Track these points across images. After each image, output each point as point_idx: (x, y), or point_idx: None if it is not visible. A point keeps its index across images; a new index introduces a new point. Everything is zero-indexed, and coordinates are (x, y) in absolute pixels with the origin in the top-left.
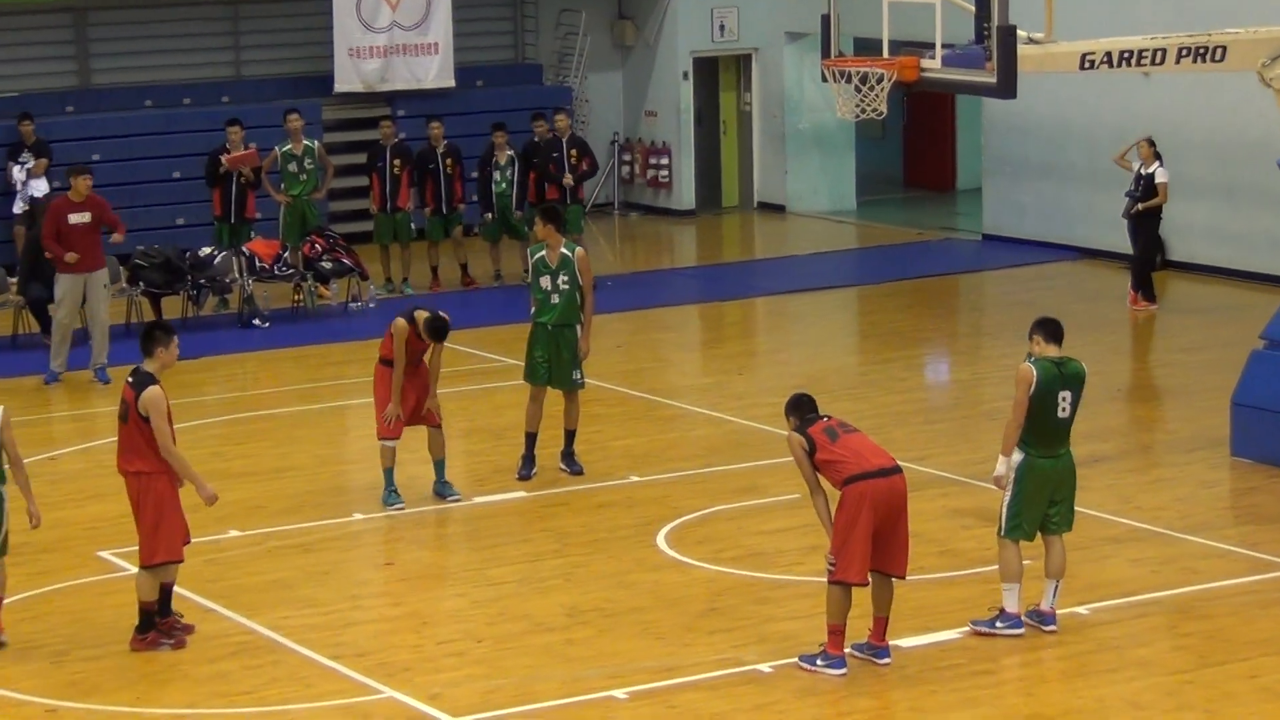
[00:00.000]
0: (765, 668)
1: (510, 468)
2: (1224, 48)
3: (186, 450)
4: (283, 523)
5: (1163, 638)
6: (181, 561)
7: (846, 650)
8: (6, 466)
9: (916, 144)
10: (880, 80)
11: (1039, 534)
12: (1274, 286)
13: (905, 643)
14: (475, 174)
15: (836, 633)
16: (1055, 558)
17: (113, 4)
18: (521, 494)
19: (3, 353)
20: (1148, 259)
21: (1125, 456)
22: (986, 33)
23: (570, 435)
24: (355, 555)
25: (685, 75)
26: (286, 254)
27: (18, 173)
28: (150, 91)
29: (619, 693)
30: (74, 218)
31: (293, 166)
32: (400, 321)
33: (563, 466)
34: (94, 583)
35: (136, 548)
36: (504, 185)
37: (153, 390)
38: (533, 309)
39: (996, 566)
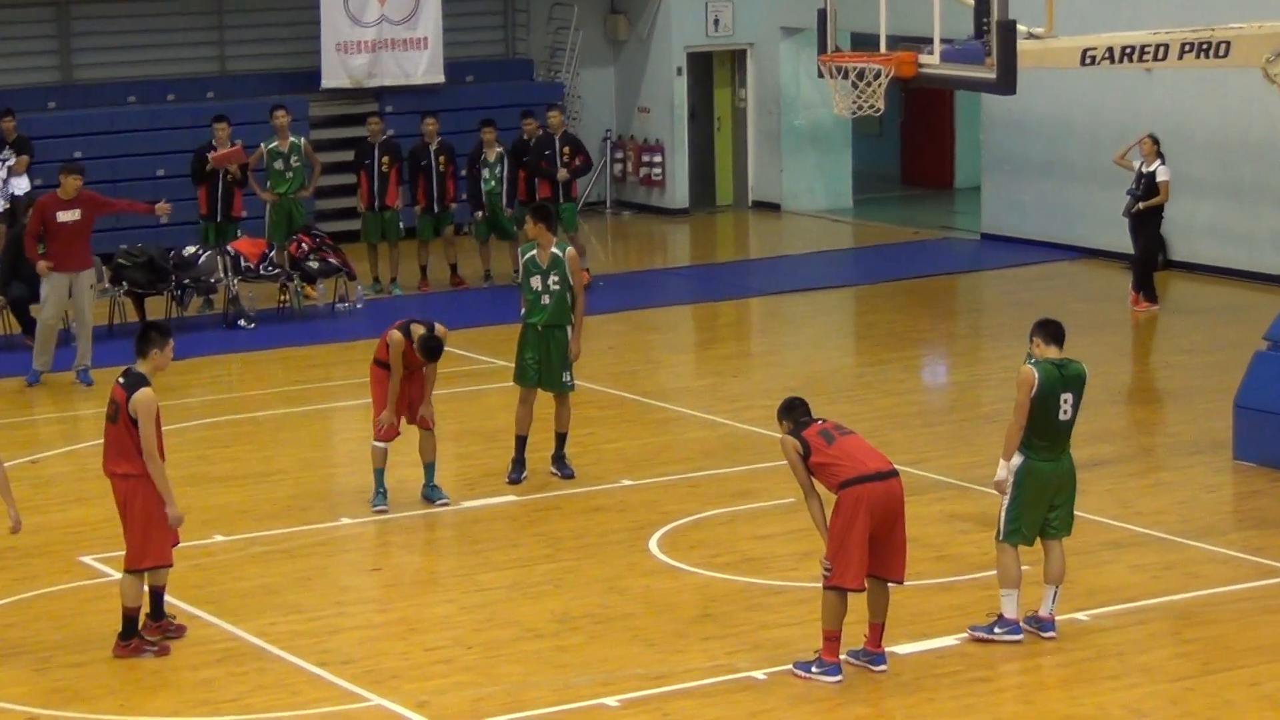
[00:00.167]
0: (759, 675)
1: (500, 471)
2: (1228, 43)
3: (170, 453)
4: (268, 527)
5: (1164, 644)
6: (170, 565)
7: (842, 657)
8: None
9: (914, 141)
10: (877, 76)
11: (1038, 539)
12: (1277, 287)
13: (902, 649)
14: (464, 172)
15: (832, 639)
16: (1054, 563)
17: None
18: (512, 498)
19: None
20: (1149, 259)
21: (1126, 460)
22: (986, 28)
23: (561, 438)
24: (342, 560)
25: (679, 71)
26: (272, 253)
27: None
28: (134, 87)
29: (610, 700)
30: (63, 216)
31: (279, 164)
32: (396, 335)
33: (554, 470)
34: (77, 588)
35: (120, 553)
36: (493, 183)
37: (145, 392)
38: (523, 310)
39: (994, 572)
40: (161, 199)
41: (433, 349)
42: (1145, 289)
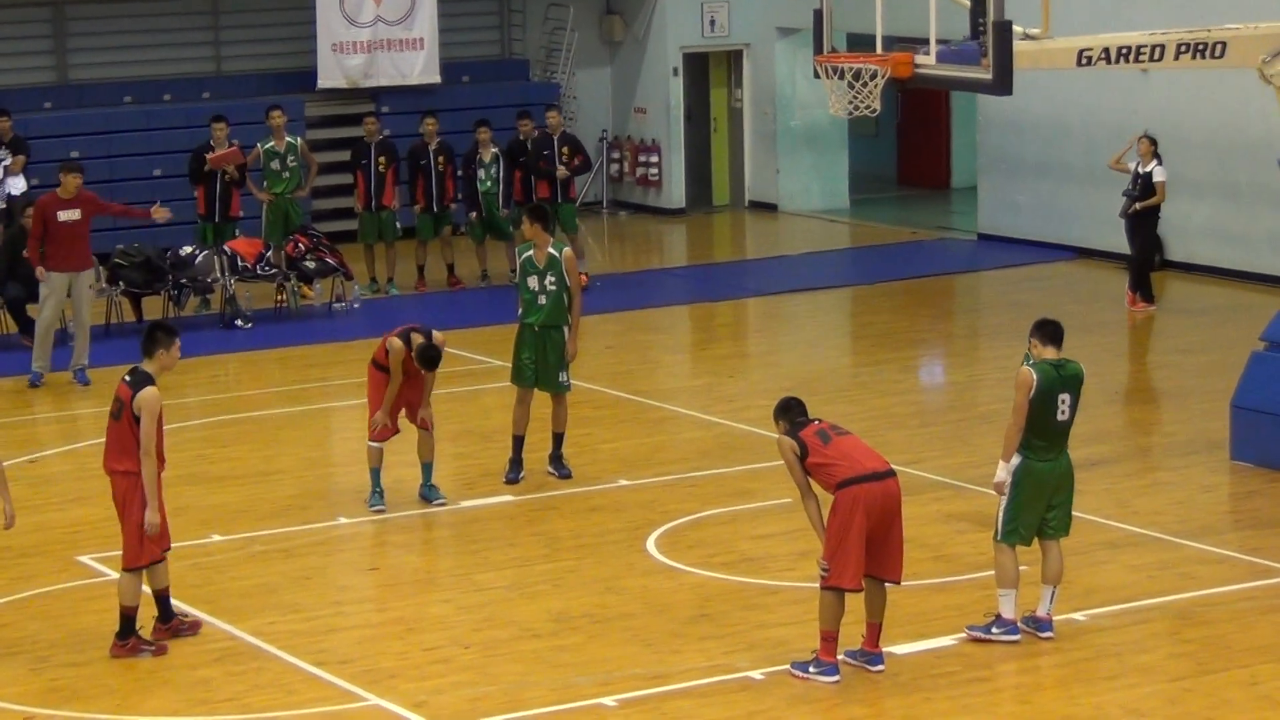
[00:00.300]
0: (757, 674)
1: (498, 471)
2: (1224, 44)
3: (169, 453)
4: (266, 527)
5: (1161, 644)
6: (162, 561)
7: (840, 657)
8: None
9: (911, 142)
10: (874, 76)
11: (1036, 539)
12: (1274, 287)
13: (899, 649)
14: (460, 172)
15: (829, 639)
16: (1052, 563)
17: None
18: (509, 498)
19: None
20: (1146, 259)
21: (1123, 460)
22: (982, 28)
23: (558, 438)
24: (340, 560)
25: (675, 71)
26: (269, 253)
27: None
28: (130, 87)
29: (608, 700)
30: (63, 215)
31: (275, 164)
32: (397, 343)
33: (551, 470)
34: (75, 588)
35: (118, 552)
36: (489, 184)
37: (150, 390)
38: (520, 310)
39: (992, 572)
40: (156, 201)
41: (431, 358)
42: (1142, 289)
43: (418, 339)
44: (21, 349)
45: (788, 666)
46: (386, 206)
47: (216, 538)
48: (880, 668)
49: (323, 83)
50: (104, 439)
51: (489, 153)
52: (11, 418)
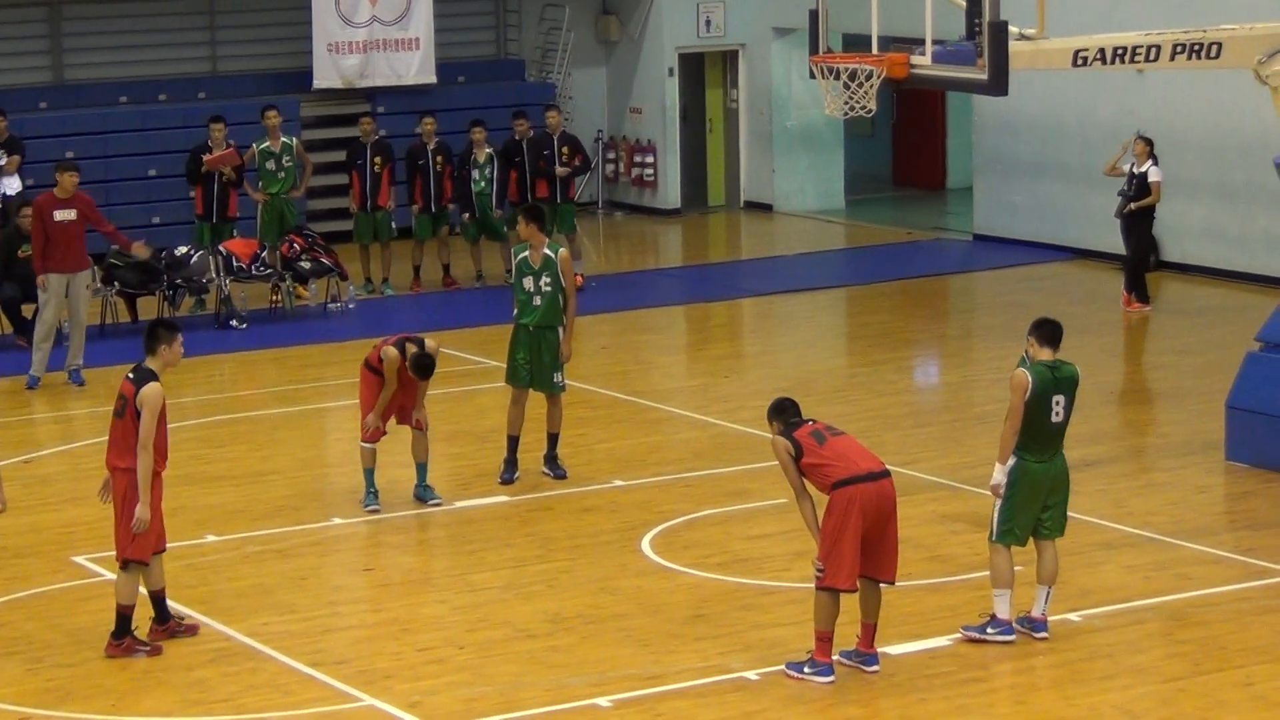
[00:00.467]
0: (752, 675)
1: (493, 471)
2: (1219, 44)
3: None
4: (261, 527)
5: (1156, 645)
6: (146, 564)
7: (835, 657)
8: None
9: (906, 142)
10: (869, 77)
11: (1031, 539)
12: (1270, 287)
13: (894, 650)
14: (456, 172)
15: (824, 639)
16: (1047, 563)
17: None
18: (504, 498)
19: None
20: (1141, 259)
21: (1118, 460)
22: (978, 29)
23: (553, 439)
24: (334, 560)
25: (670, 72)
26: (264, 253)
27: None
28: (126, 87)
29: (603, 701)
30: (59, 214)
31: (270, 164)
32: (392, 352)
33: (546, 470)
34: (70, 588)
35: (112, 553)
36: (483, 184)
37: (153, 386)
38: (515, 310)
39: (987, 572)
40: (143, 240)
41: (425, 367)
42: (1137, 290)
43: (412, 349)
44: (17, 349)
45: (783, 667)
46: (382, 207)
47: (211, 538)
48: (875, 668)
49: (318, 83)
50: (100, 439)
51: (483, 153)
52: (7, 418)
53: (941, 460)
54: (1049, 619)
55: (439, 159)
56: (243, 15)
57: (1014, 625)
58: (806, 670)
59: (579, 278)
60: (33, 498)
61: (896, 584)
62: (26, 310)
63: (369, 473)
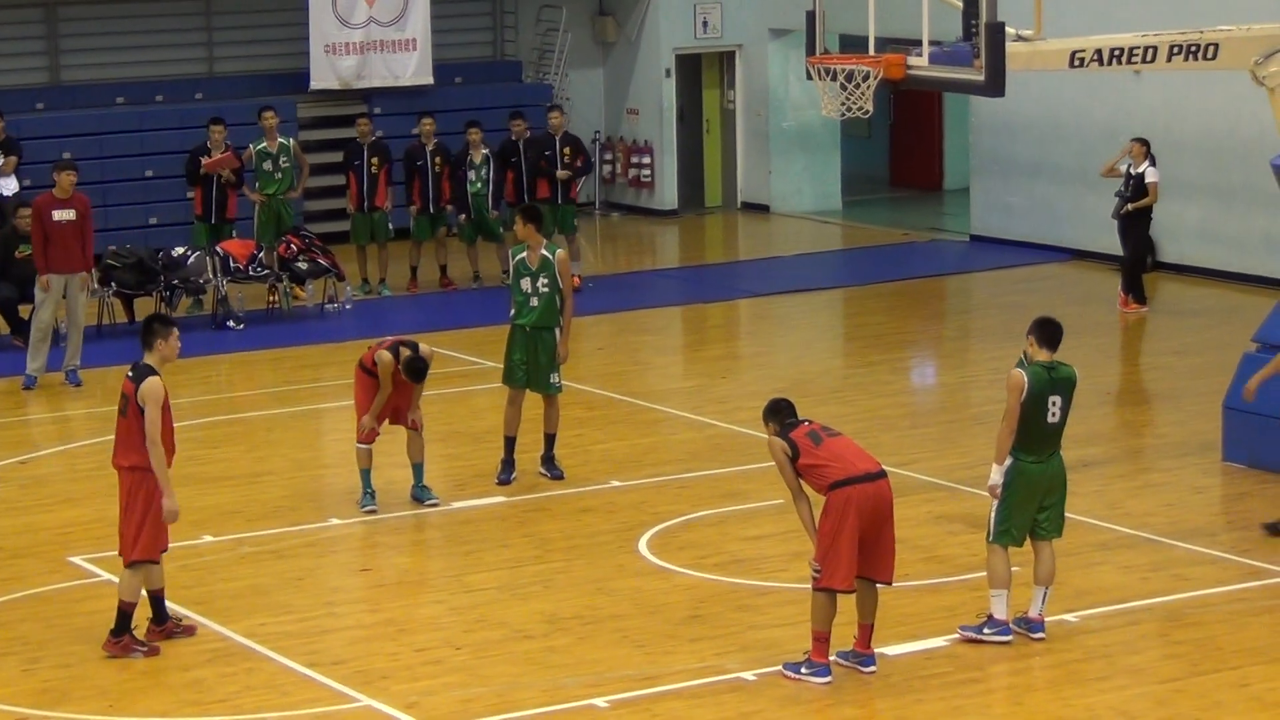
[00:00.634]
0: (749, 676)
1: (489, 472)
2: (1216, 45)
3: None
4: (258, 528)
5: (1153, 645)
6: (157, 562)
7: (831, 658)
8: None
9: (903, 143)
10: (866, 78)
11: (1028, 540)
12: (1266, 288)
13: (891, 650)
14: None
15: (821, 640)
16: (1044, 564)
17: None
18: (501, 499)
19: None
20: (1138, 260)
21: (1115, 461)
22: (975, 30)
23: (550, 439)
24: (331, 561)
25: (668, 72)
26: (261, 254)
27: None
28: (122, 88)
29: (600, 701)
30: (58, 214)
31: (267, 165)
32: (385, 356)
33: (542, 471)
34: (66, 589)
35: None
36: (479, 185)
37: (153, 380)
38: (512, 311)
39: (983, 573)
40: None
41: (418, 370)
42: (1134, 290)
43: (405, 352)
44: (14, 349)
45: (779, 668)
46: (379, 207)
47: (208, 539)
48: (872, 669)
49: (315, 84)
50: (97, 440)
51: (479, 154)
52: (4, 418)
53: (938, 461)
54: (1046, 619)
55: (437, 160)
56: (239, 16)
57: (1011, 626)
58: (803, 671)
59: (576, 279)
60: (29, 498)
61: (893, 585)
62: (23, 311)
63: (365, 473)
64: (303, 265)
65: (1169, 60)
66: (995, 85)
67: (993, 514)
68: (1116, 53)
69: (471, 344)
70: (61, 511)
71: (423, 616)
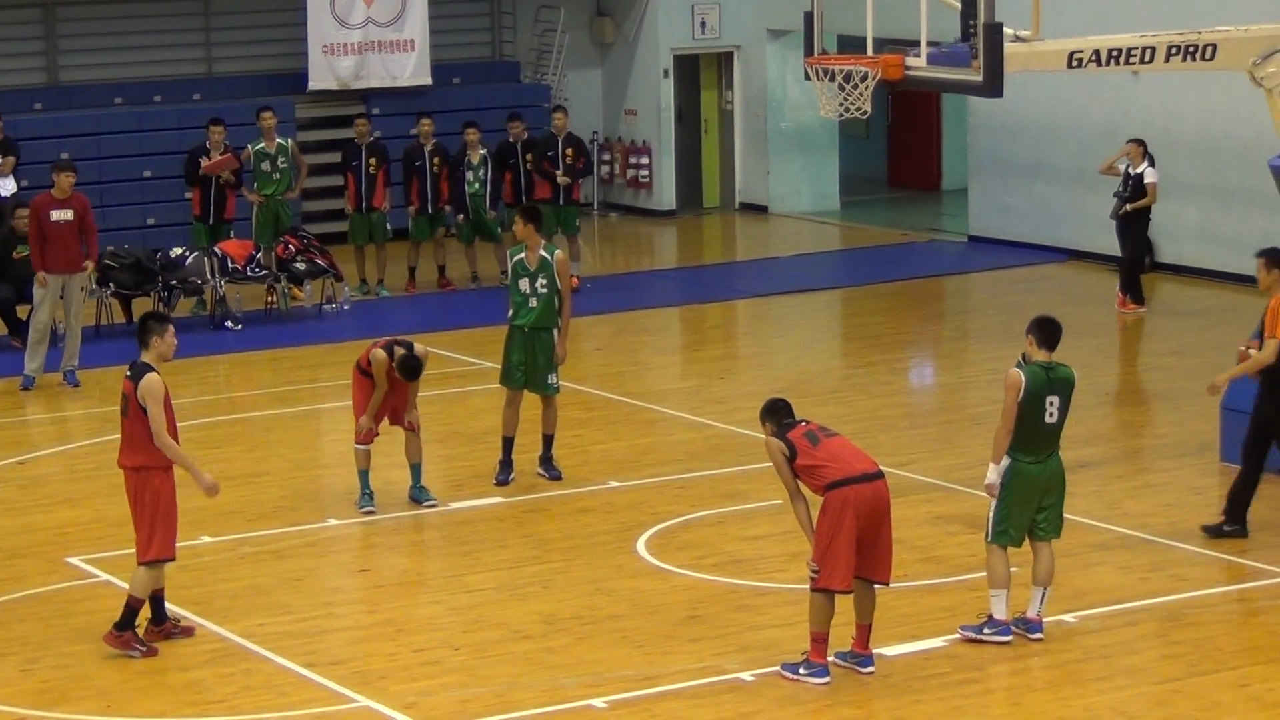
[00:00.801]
0: (747, 676)
1: (488, 473)
2: (1214, 46)
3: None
4: (256, 528)
5: (1151, 646)
6: (174, 559)
7: (829, 658)
8: None
9: (901, 144)
10: (864, 79)
11: (1027, 540)
12: None
13: (889, 651)
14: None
15: (819, 640)
16: (1043, 564)
17: None
18: (499, 499)
19: None
20: (1136, 261)
21: (1113, 462)
22: (973, 30)
23: (548, 440)
24: (330, 561)
25: (666, 73)
26: (259, 255)
27: None
28: (120, 89)
29: (598, 701)
30: (55, 214)
31: (265, 165)
32: (380, 354)
33: (541, 471)
34: (64, 589)
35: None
36: (476, 185)
37: (151, 377)
38: (510, 311)
39: (980, 574)
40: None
41: (411, 368)
42: (1132, 291)
43: (400, 351)
44: (12, 350)
45: (778, 668)
46: (377, 208)
47: (206, 539)
48: (870, 669)
49: (313, 84)
50: (95, 440)
51: (477, 154)
52: (2, 419)
53: (936, 461)
54: (1044, 620)
55: (436, 160)
56: (238, 17)
57: (1011, 626)
58: (801, 671)
59: (575, 279)
60: (28, 498)
61: (891, 585)
62: (21, 311)
63: (363, 474)
64: (301, 266)
65: (1167, 61)
66: (993, 86)
67: (991, 514)
68: (1114, 53)
69: (470, 345)
70: (60, 512)
71: (421, 617)
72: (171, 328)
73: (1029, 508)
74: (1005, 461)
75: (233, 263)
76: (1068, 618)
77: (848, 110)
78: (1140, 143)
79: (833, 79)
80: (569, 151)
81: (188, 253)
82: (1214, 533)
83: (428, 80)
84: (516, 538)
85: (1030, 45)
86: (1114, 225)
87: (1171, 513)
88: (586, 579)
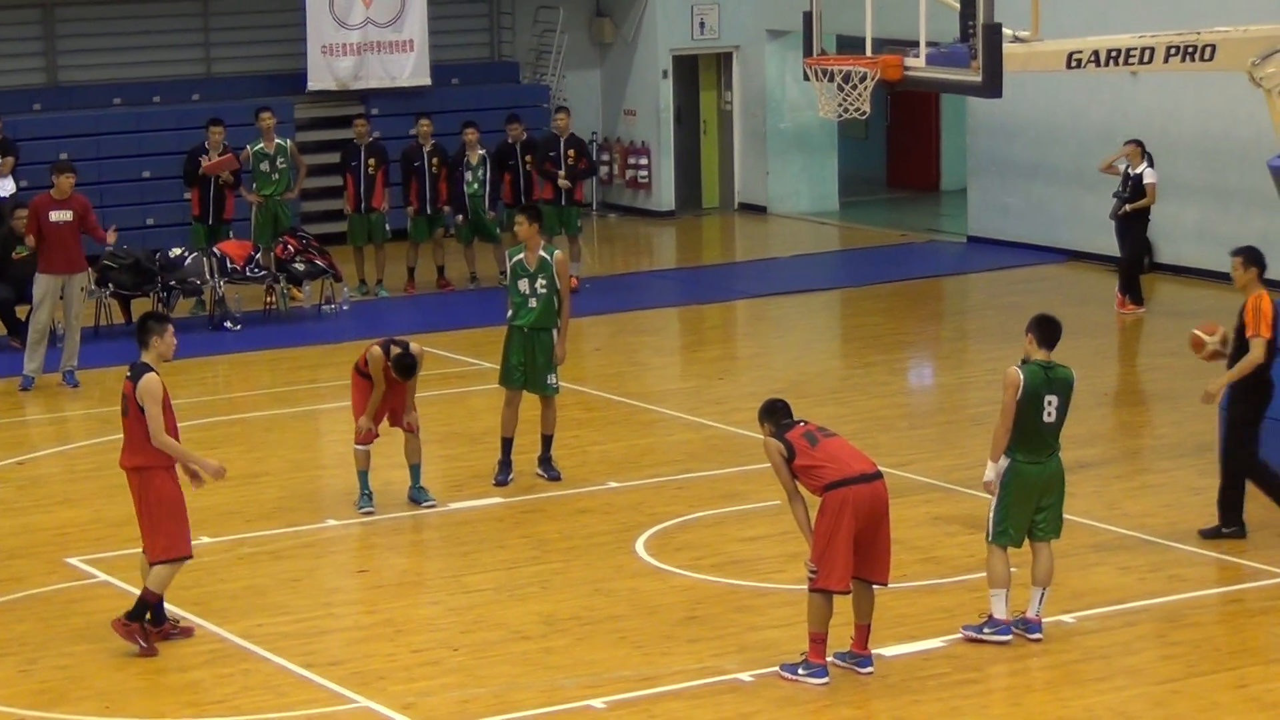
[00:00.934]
0: (746, 677)
1: (487, 473)
2: (1213, 46)
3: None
4: (255, 529)
5: (1150, 646)
6: (190, 556)
7: (828, 659)
8: None
9: (900, 144)
10: (863, 79)
11: (1027, 540)
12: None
13: (888, 651)
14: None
15: (818, 641)
16: (1042, 565)
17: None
18: (498, 500)
19: None
20: (1135, 261)
21: (1112, 462)
22: (972, 31)
23: (547, 440)
24: (329, 562)
25: (665, 74)
26: (258, 255)
27: None
28: (119, 89)
29: (597, 702)
30: (55, 215)
31: (265, 166)
32: (376, 352)
33: (540, 472)
34: (63, 589)
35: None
36: (475, 186)
37: (149, 377)
38: (509, 312)
39: (979, 574)
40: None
41: (406, 367)
42: (1131, 292)
43: (395, 349)
44: (11, 350)
45: (776, 668)
46: (376, 208)
47: (205, 539)
48: (869, 670)
49: (312, 85)
50: (94, 441)
51: (475, 154)
52: (1, 419)
53: (936, 462)
54: (1043, 620)
55: (435, 161)
56: (237, 17)
57: (1011, 626)
58: (800, 672)
59: (574, 280)
60: (27, 499)
61: (890, 585)
62: (20, 312)
63: (363, 475)
64: (300, 266)
65: (1166, 61)
66: (992, 86)
67: (990, 514)
68: (1113, 54)
69: (469, 345)
70: (59, 512)
71: (420, 617)
72: (171, 328)
73: (1028, 508)
74: (1004, 461)
75: (232, 263)
76: (1067, 618)
77: (847, 111)
78: (1139, 143)
79: (832, 79)
80: (571, 153)
81: (187, 253)
82: (1212, 535)
83: (427, 81)
84: (515, 538)
85: (1029, 46)
86: (1113, 226)
87: (1170, 513)
88: (585, 579)
